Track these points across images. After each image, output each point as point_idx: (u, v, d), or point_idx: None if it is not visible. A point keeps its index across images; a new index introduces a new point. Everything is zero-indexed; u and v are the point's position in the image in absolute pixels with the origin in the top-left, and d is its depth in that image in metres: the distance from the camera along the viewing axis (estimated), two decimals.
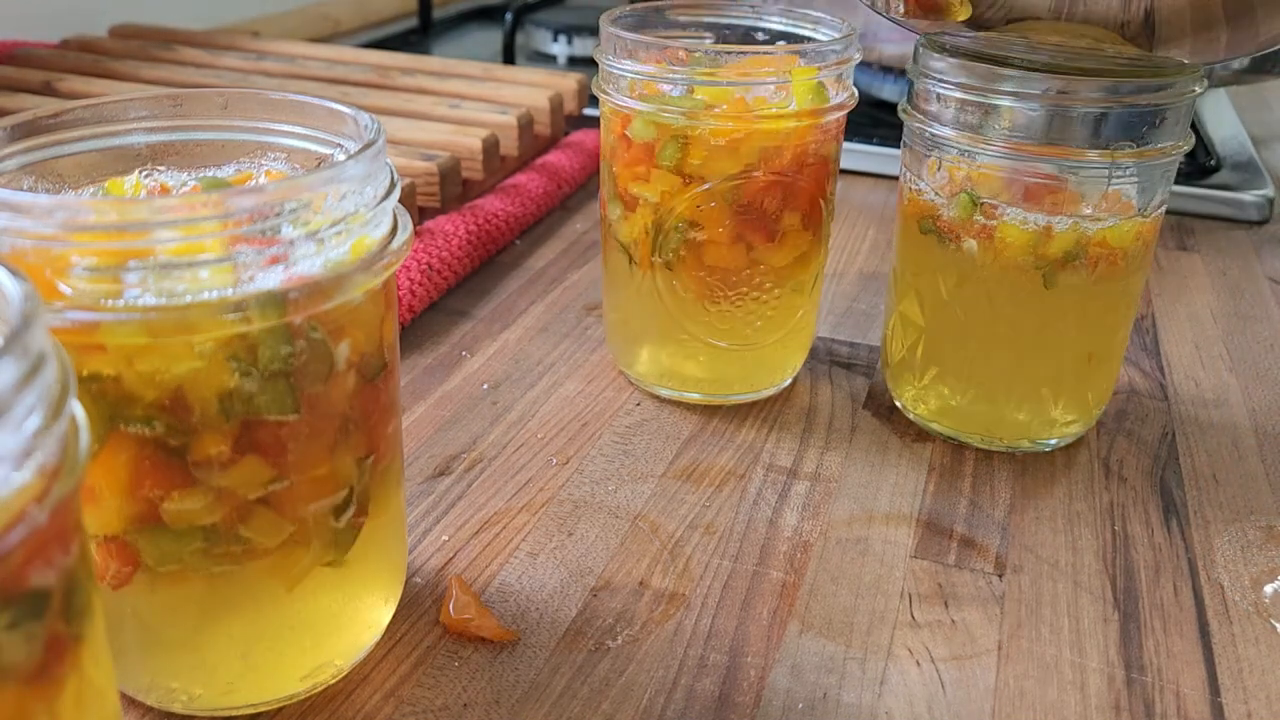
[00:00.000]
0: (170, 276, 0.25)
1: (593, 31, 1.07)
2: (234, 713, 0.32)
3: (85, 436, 0.20)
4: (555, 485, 0.44)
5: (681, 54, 0.44)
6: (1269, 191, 0.76)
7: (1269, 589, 0.39)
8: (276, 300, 0.26)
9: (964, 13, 0.39)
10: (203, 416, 0.27)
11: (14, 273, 0.20)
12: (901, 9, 0.42)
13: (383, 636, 0.35)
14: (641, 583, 0.38)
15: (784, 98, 0.44)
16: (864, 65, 0.88)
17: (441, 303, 0.59)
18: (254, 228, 0.26)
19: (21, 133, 0.30)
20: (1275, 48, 0.40)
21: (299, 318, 0.27)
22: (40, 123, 0.30)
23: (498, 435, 0.47)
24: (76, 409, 0.20)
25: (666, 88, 0.44)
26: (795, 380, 0.52)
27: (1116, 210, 0.42)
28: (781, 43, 0.50)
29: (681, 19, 0.50)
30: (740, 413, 0.49)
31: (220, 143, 0.33)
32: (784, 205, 0.45)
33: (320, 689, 0.33)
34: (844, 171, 0.81)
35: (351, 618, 0.32)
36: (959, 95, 0.42)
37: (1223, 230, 0.74)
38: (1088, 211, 0.42)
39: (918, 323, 0.46)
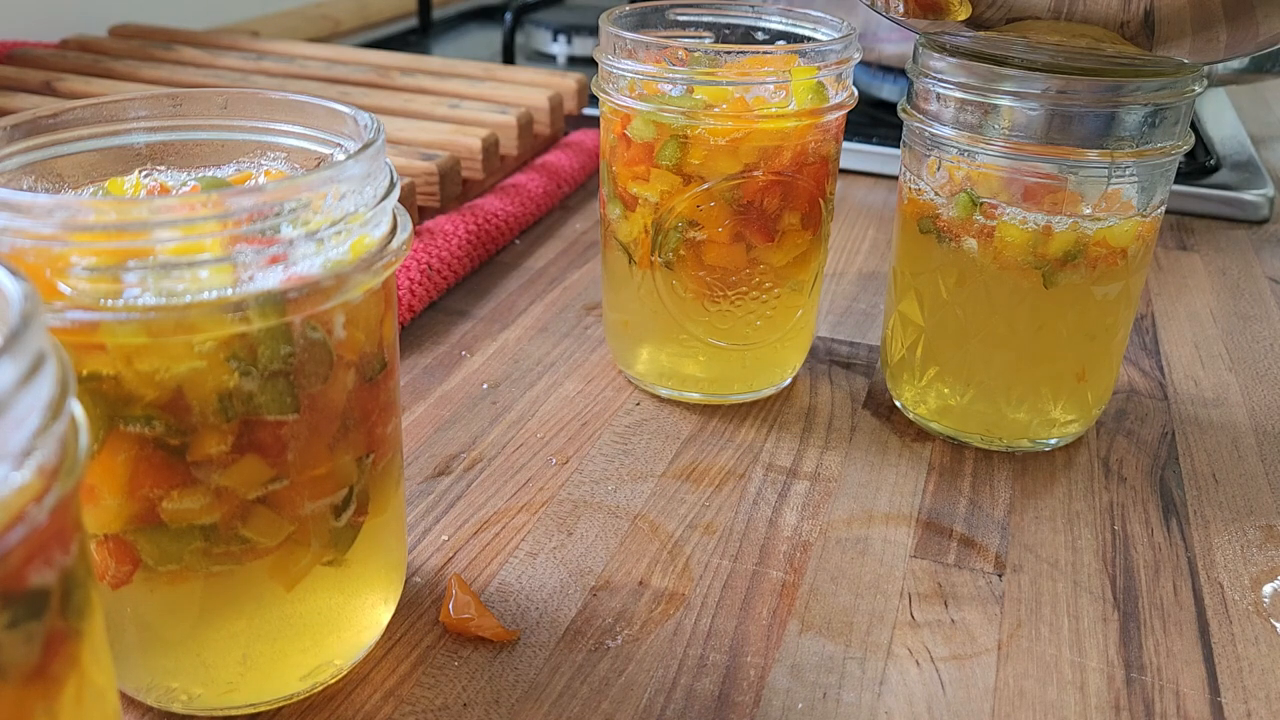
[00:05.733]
0: (170, 276, 0.25)
1: (592, 31, 1.07)
2: (234, 712, 0.32)
3: (85, 436, 0.20)
4: (555, 485, 0.44)
5: (681, 53, 0.44)
6: (1269, 191, 0.76)
7: (1269, 589, 0.39)
8: (276, 300, 0.26)
9: (964, 12, 0.40)
10: (202, 416, 0.27)
11: (14, 273, 0.20)
12: (901, 9, 0.42)
13: (382, 636, 0.35)
14: (641, 582, 0.38)
15: (784, 97, 0.44)
16: (864, 65, 0.88)
17: (441, 302, 0.59)
18: (254, 227, 0.26)
19: (21, 133, 0.30)
20: (1275, 47, 0.40)
21: (299, 317, 0.27)
22: (40, 123, 0.30)
23: (497, 435, 0.47)
24: (76, 409, 0.20)
25: (666, 87, 0.44)
26: (795, 380, 0.52)
27: (1116, 210, 0.42)
28: (781, 42, 0.50)
29: (681, 18, 0.50)
30: (740, 412, 0.49)
31: (220, 143, 0.33)
32: (784, 205, 0.45)
33: (320, 689, 0.33)
34: (844, 171, 0.81)
35: (351, 617, 0.32)
36: (959, 95, 0.42)
37: (1223, 230, 0.74)
38: (1087, 211, 0.42)
39: (917, 322, 0.46)
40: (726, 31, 0.51)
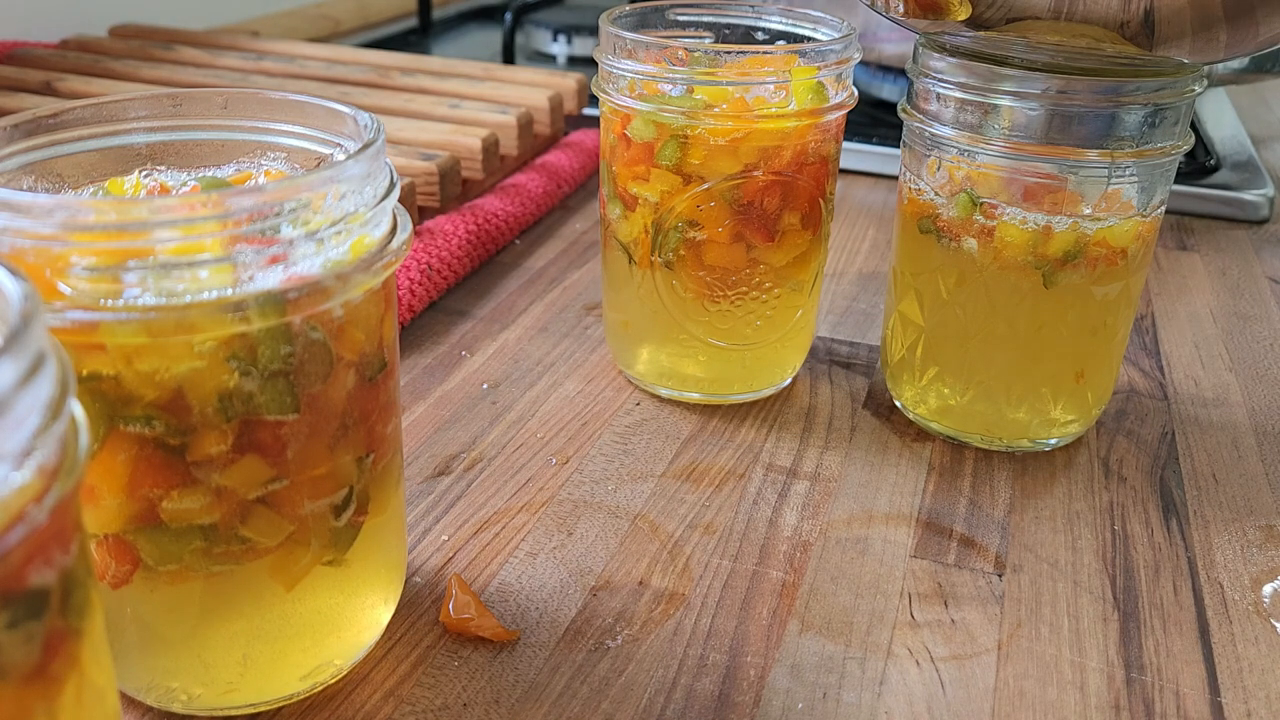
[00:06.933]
0: (170, 276, 0.25)
1: (592, 31, 1.07)
2: (234, 712, 0.32)
3: (85, 436, 0.20)
4: (555, 485, 0.44)
5: (681, 53, 0.44)
6: (1269, 191, 0.76)
7: (1269, 589, 0.39)
8: (276, 300, 0.26)
9: (963, 12, 0.40)
10: (202, 416, 0.27)
11: (14, 273, 0.20)
12: (901, 9, 0.42)
13: (382, 636, 0.35)
14: (641, 582, 0.38)
15: (784, 97, 0.44)
16: (864, 65, 0.88)
17: (441, 303, 0.59)
18: (254, 227, 0.26)
19: (21, 133, 0.30)
20: (1275, 47, 0.40)
21: (298, 317, 0.27)
22: (40, 123, 0.30)
23: (497, 435, 0.47)
24: (76, 409, 0.20)
25: (666, 87, 0.44)
26: (795, 380, 0.52)
27: (1116, 210, 0.42)
28: (781, 42, 0.50)
29: (681, 18, 0.50)
30: (740, 412, 0.49)
31: (220, 143, 0.33)
32: (784, 205, 0.45)
33: (320, 689, 0.33)
34: (844, 171, 0.81)
35: (351, 617, 0.32)
36: (959, 95, 0.42)
37: (1223, 230, 0.74)
38: (1087, 211, 0.42)
39: (917, 322, 0.46)
40: (726, 31, 0.51)
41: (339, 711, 0.32)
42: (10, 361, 0.18)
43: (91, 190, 0.32)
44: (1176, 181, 0.75)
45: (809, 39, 0.49)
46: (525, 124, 0.71)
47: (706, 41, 0.51)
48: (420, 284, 0.56)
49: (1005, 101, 0.41)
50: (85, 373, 0.26)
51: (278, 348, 0.27)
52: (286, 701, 0.33)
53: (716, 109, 0.43)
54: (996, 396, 0.45)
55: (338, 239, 0.27)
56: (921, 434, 0.48)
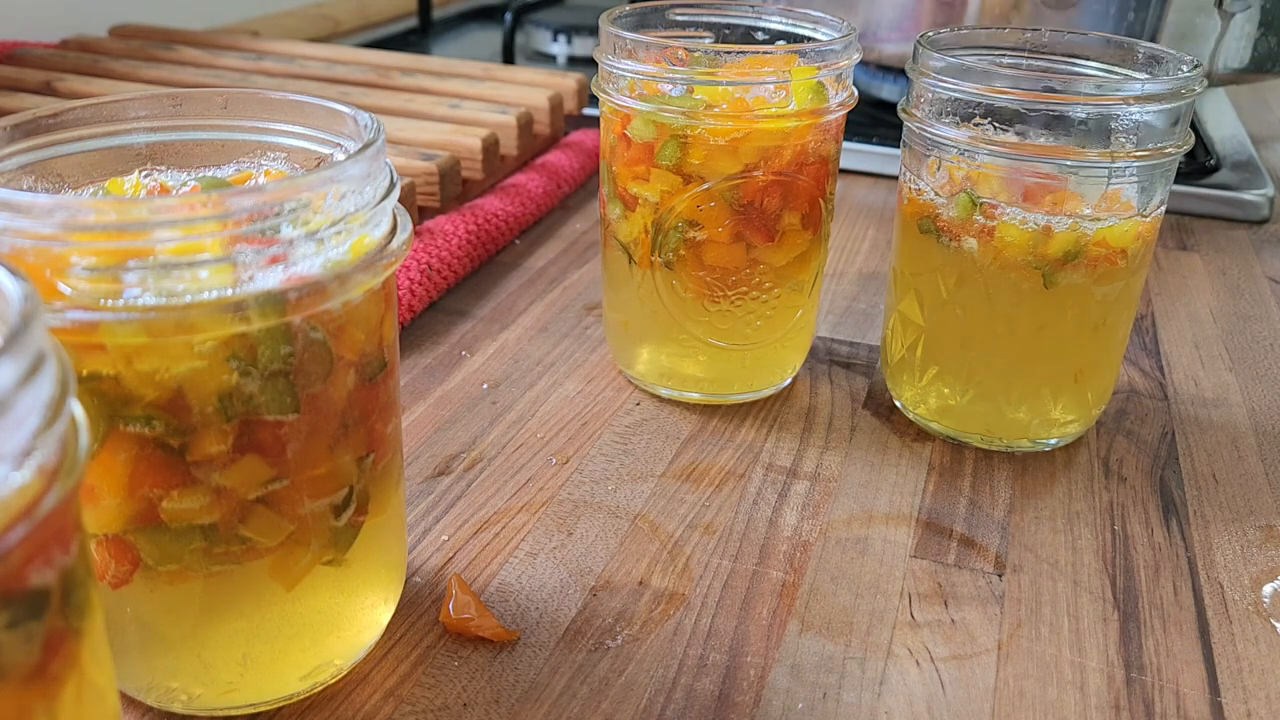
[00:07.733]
0: (170, 276, 0.25)
1: (592, 31, 1.07)
2: (234, 712, 0.32)
3: (85, 436, 0.20)
4: (555, 485, 0.44)
5: (681, 54, 0.44)
6: (1269, 191, 0.76)
7: (1269, 589, 0.39)
8: (276, 300, 0.26)
9: None
10: (202, 416, 0.27)
11: (14, 273, 0.20)
12: None
13: (382, 636, 0.35)
14: (641, 582, 0.38)
15: (783, 97, 0.44)
16: (864, 65, 0.88)
17: (441, 302, 0.59)
18: (254, 227, 0.26)
19: (21, 133, 0.30)
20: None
21: (298, 317, 0.27)
22: (40, 123, 0.30)
23: (497, 435, 0.47)
24: (76, 409, 0.20)
25: (666, 87, 0.44)
26: (795, 380, 0.52)
27: (1116, 210, 0.42)
28: (781, 42, 0.50)
29: (681, 18, 0.50)
30: (740, 412, 0.49)
31: (220, 143, 0.33)
32: (784, 205, 0.45)
33: (320, 688, 0.33)
34: (844, 171, 0.81)
35: (351, 617, 0.32)
36: (959, 95, 0.42)
37: (1223, 230, 0.74)
38: (1087, 211, 0.42)
39: (917, 322, 0.46)
40: (726, 31, 0.51)
41: (339, 711, 0.32)
42: (10, 361, 0.18)
43: (91, 190, 0.32)
44: (1176, 181, 0.75)
45: (809, 39, 0.49)
46: (525, 124, 0.71)
47: (706, 41, 0.51)
48: (420, 284, 0.56)
49: (1005, 101, 0.41)
50: (85, 373, 0.26)
51: (278, 348, 0.27)
52: (286, 701, 0.33)
53: (716, 109, 0.43)
54: (996, 396, 0.45)
55: (338, 239, 0.27)
56: (921, 434, 0.48)
